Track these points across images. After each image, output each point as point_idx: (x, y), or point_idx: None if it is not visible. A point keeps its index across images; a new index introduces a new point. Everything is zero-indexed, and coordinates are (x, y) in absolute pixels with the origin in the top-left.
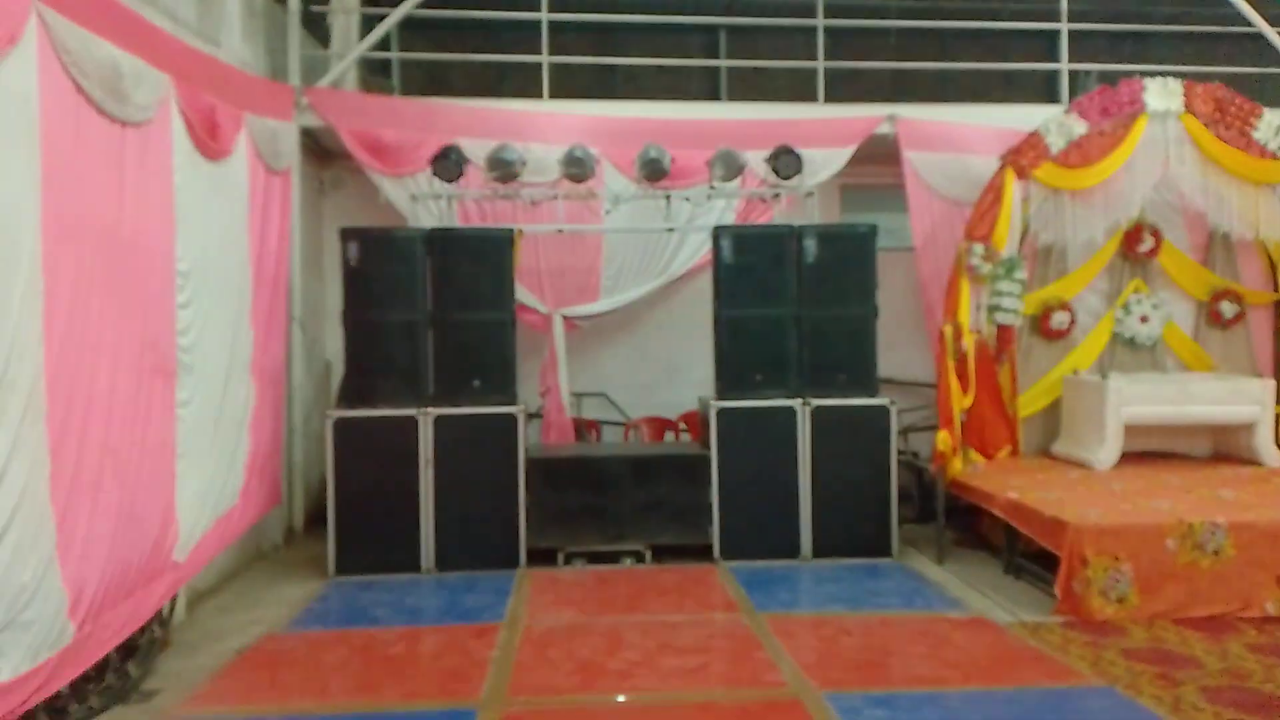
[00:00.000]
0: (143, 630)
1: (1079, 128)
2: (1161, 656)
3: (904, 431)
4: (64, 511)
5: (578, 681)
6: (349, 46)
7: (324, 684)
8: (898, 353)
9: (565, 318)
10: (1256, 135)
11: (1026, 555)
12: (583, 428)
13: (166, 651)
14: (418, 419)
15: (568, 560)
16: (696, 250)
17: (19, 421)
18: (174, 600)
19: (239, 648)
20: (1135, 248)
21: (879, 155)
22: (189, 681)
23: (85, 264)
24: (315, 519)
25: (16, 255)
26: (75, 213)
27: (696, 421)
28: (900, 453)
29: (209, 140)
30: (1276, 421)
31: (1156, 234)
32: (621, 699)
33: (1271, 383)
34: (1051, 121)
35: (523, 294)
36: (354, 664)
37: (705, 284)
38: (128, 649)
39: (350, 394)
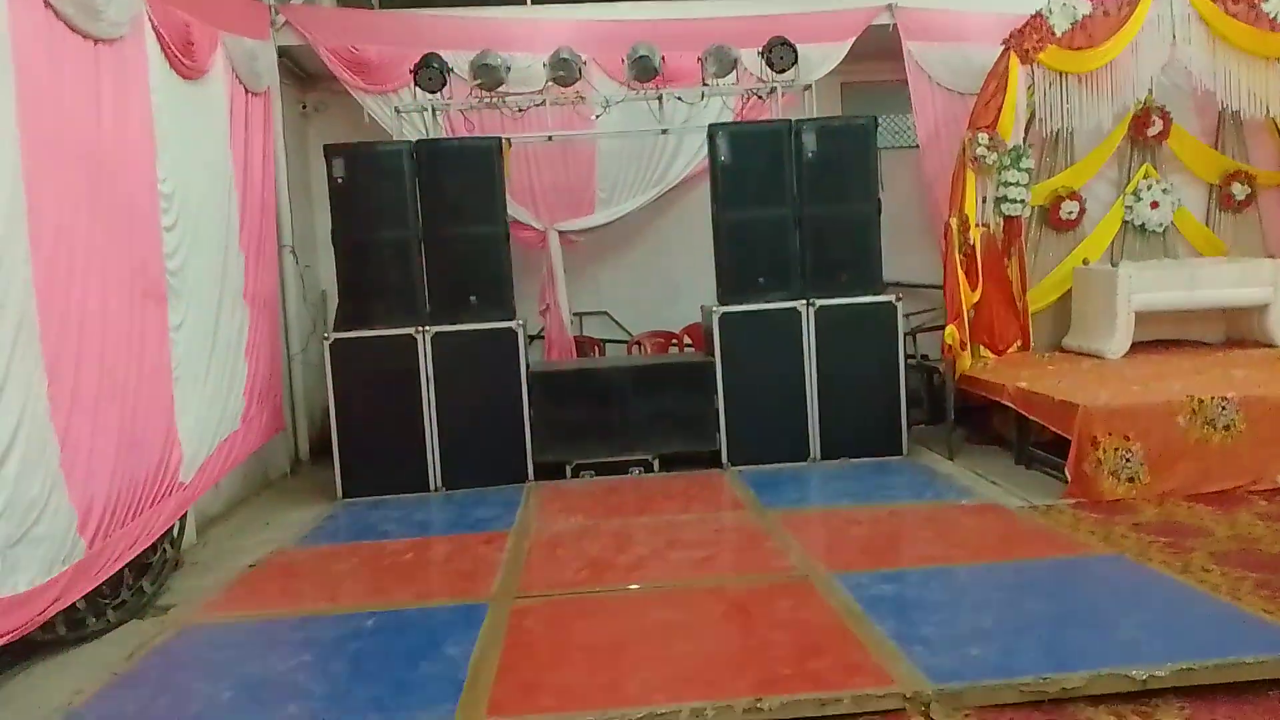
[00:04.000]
0: (154, 549)
1: (1083, 8)
2: (1172, 529)
3: (912, 333)
4: (65, 430)
5: (587, 576)
6: None
7: (335, 590)
8: (905, 256)
9: (561, 233)
10: (1267, 8)
11: (1038, 446)
12: (585, 346)
13: (179, 571)
14: (416, 338)
15: (575, 473)
16: (693, 156)
17: (13, 339)
18: (183, 521)
19: (250, 564)
20: (1144, 131)
21: (880, 50)
22: (203, 596)
23: (67, 182)
24: (320, 448)
25: None
26: (53, 131)
27: (700, 334)
28: (909, 356)
29: (184, 59)
30: None
31: (1165, 116)
32: (634, 587)
33: None
34: (1055, 3)
35: (517, 210)
36: (364, 571)
37: (706, 196)
38: (141, 567)
39: (346, 316)
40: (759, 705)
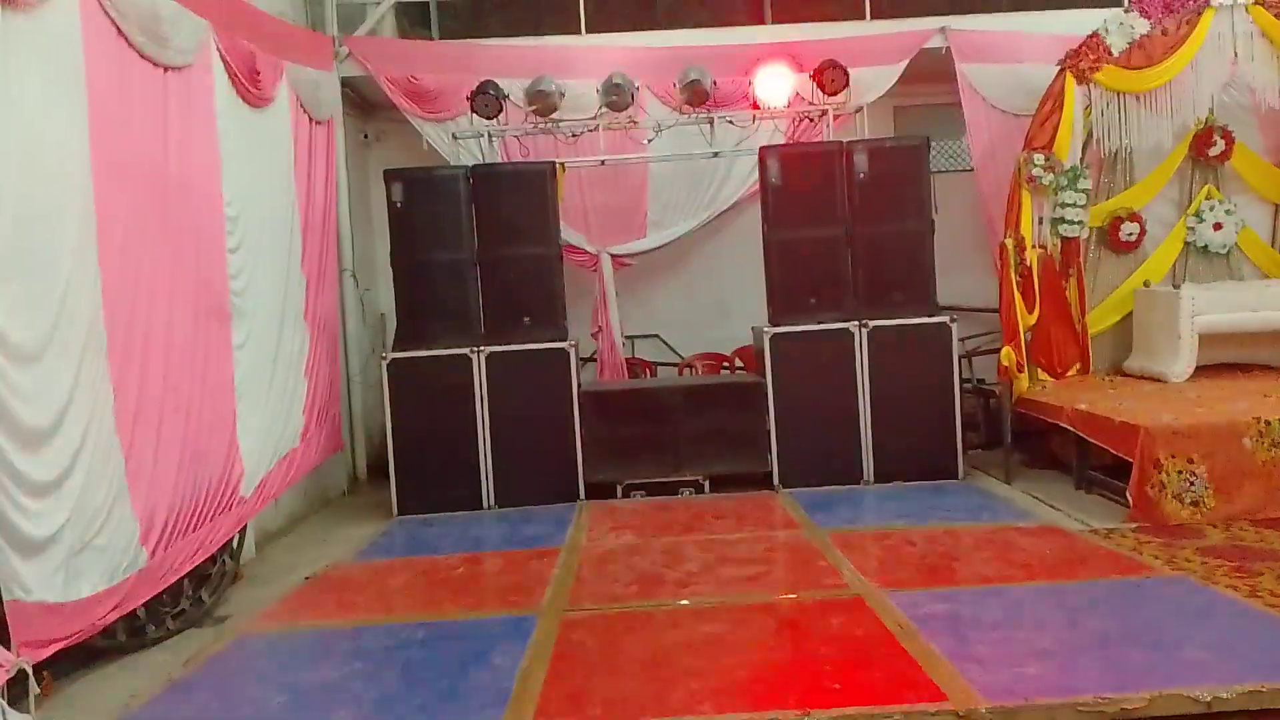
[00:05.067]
0: (213, 561)
1: (1140, 26)
2: (1239, 553)
3: (967, 356)
4: (130, 443)
5: (637, 590)
6: None
7: (389, 602)
8: (960, 279)
9: (613, 256)
10: None
11: (1098, 470)
12: (637, 368)
13: (237, 583)
14: (471, 358)
15: (626, 493)
16: (744, 179)
17: (80, 354)
18: (243, 534)
19: (306, 577)
20: (1205, 151)
21: (933, 73)
22: (259, 608)
23: (136, 204)
24: (378, 468)
25: (69, 193)
26: (123, 153)
27: (751, 356)
28: (965, 380)
29: (250, 87)
30: None
31: (1228, 136)
32: (685, 602)
33: None
34: (1111, 21)
35: (569, 233)
36: (418, 585)
37: (756, 218)
38: (200, 578)
39: (403, 336)
40: (806, 719)
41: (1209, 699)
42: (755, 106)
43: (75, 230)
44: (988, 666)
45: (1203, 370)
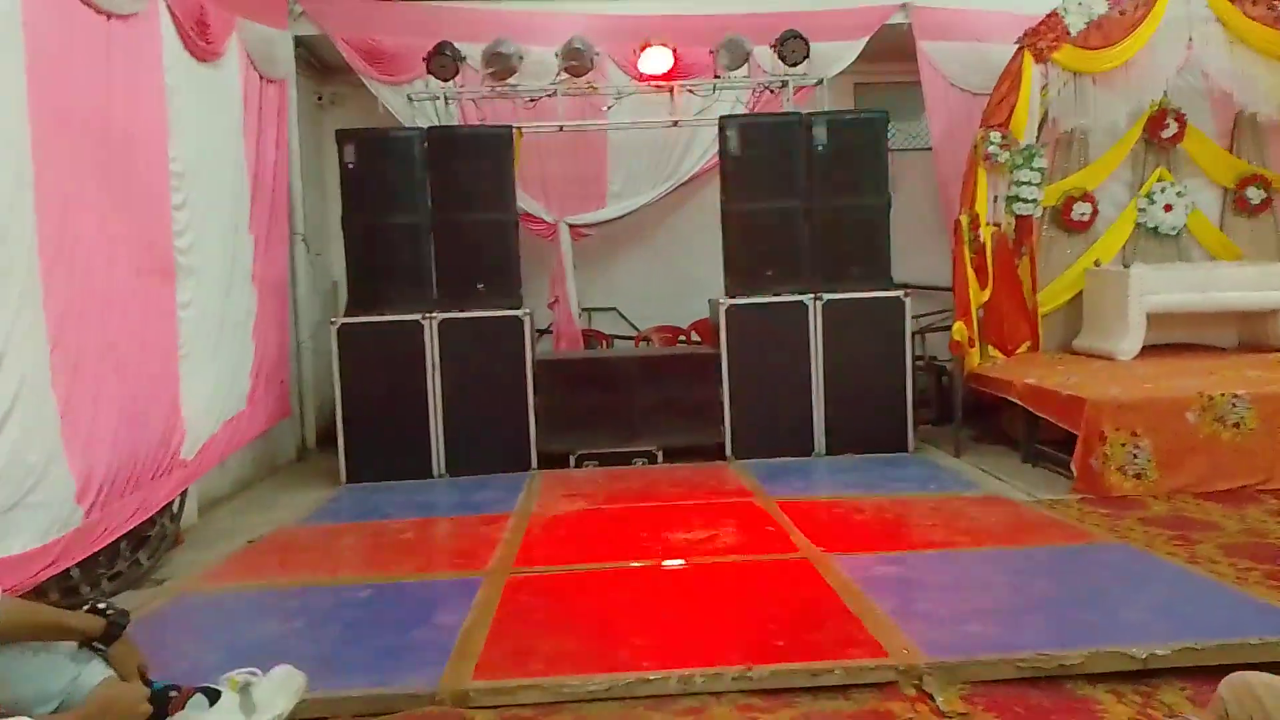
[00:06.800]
0: (152, 523)
1: (1099, 7)
2: (1180, 523)
3: (920, 333)
4: (67, 400)
5: (585, 553)
6: None
7: (334, 564)
8: (916, 257)
9: (572, 226)
10: None
11: (1046, 444)
12: (593, 340)
13: (178, 547)
14: (423, 324)
15: (579, 463)
16: (705, 151)
17: (17, 307)
18: (183, 497)
19: (250, 540)
20: (1159, 133)
21: (894, 51)
22: (201, 570)
23: (76, 155)
24: (327, 437)
25: (3, 141)
26: (63, 103)
27: (708, 330)
28: (918, 357)
29: (199, 40)
30: None
31: (1181, 118)
32: (633, 564)
33: None
34: (1070, 1)
35: (527, 202)
36: (364, 547)
37: (717, 192)
38: (138, 540)
39: (355, 301)
40: (748, 674)
41: (1145, 656)
42: (716, 75)
43: (9, 180)
44: (930, 625)
45: (1150, 349)
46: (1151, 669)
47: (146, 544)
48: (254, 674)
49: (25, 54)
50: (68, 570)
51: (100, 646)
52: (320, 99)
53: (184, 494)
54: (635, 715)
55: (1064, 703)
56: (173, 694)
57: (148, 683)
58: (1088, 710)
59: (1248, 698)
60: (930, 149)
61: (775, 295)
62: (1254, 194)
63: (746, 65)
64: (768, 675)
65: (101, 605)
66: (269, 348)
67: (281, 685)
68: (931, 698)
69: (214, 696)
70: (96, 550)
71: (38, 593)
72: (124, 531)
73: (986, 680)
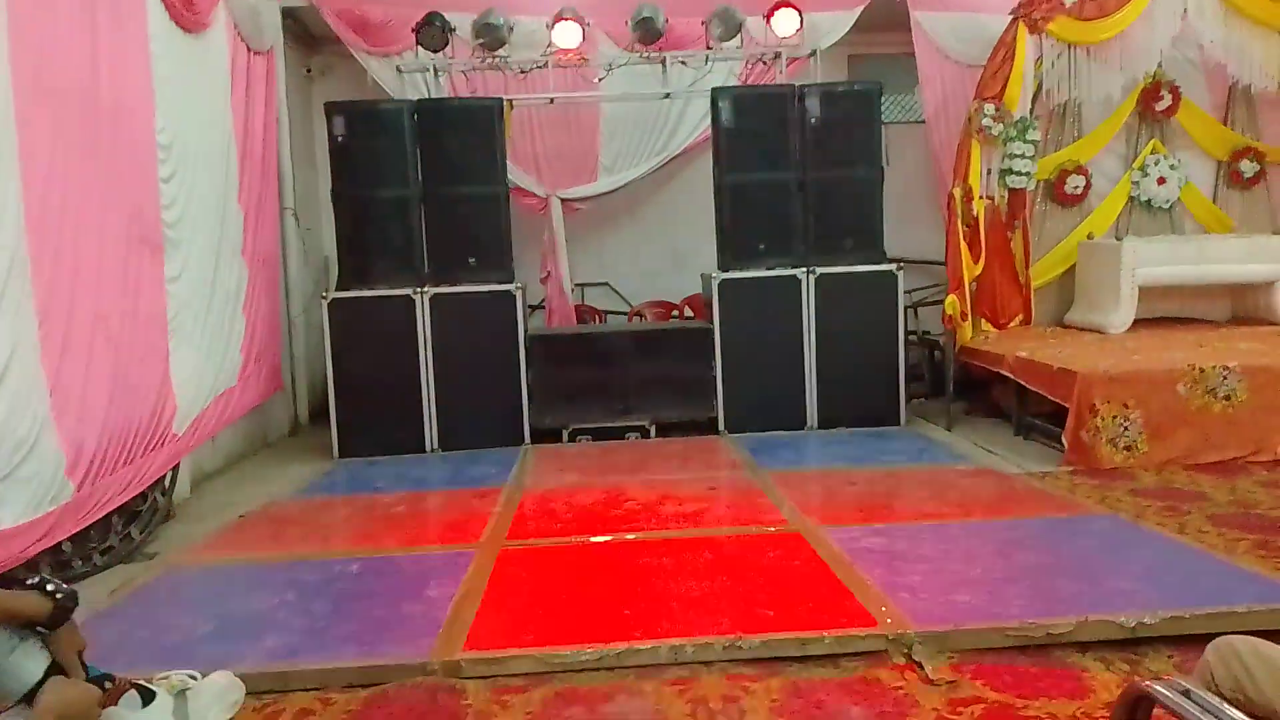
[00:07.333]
0: (144, 497)
1: None
2: (1169, 494)
3: (914, 307)
4: (56, 373)
5: (578, 526)
6: None
7: (326, 538)
8: (910, 230)
9: (564, 200)
10: None
11: (1038, 417)
12: (586, 315)
13: (170, 521)
14: (414, 299)
15: (572, 437)
16: (697, 124)
17: (3, 280)
18: (175, 471)
19: (242, 514)
20: (1153, 106)
21: (888, 22)
22: (191, 544)
23: (62, 127)
24: (320, 412)
25: None
26: (47, 73)
27: (701, 305)
28: (911, 331)
29: (184, 10)
30: None
31: (1175, 91)
32: (627, 537)
33: None
34: None
35: (519, 176)
36: (356, 520)
37: (709, 165)
38: (130, 514)
39: (345, 275)
40: (738, 644)
41: (1133, 624)
42: (708, 46)
43: None
44: (919, 595)
45: (1142, 323)
46: (1140, 637)
47: (138, 518)
48: (193, 677)
49: (8, 21)
50: (59, 544)
51: (43, 630)
52: (309, 71)
53: (176, 468)
54: (626, 685)
55: (1052, 670)
56: (107, 685)
57: (84, 667)
58: (1075, 678)
59: (1234, 661)
60: (924, 121)
61: (768, 269)
62: (1247, 167)
63: (739, 36)
64: (757, 645)
65: (50, 587)
66: (260, 322)
67: (219, 696)
68: (920, 666)
69: (148, 696)
70: (88, 524)
71: (30, 567)
72: (115, 506)
73: (975, 649)
